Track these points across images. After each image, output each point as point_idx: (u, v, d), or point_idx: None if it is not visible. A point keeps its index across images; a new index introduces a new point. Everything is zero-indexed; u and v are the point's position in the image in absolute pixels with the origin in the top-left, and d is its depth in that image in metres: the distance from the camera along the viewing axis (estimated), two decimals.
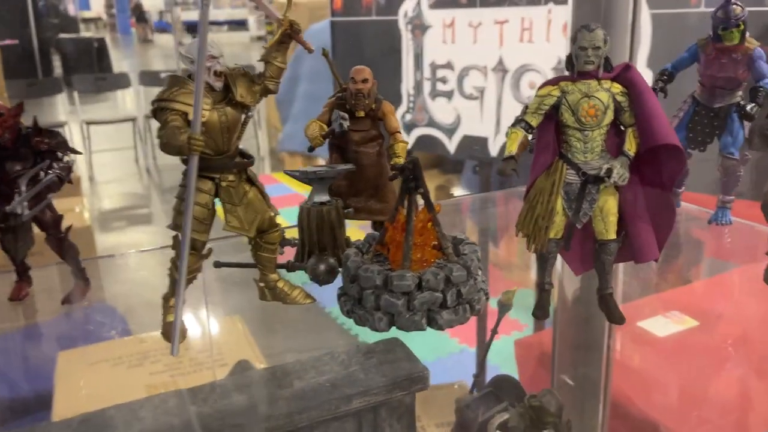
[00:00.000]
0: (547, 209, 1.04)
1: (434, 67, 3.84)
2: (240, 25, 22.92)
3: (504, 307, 1.58)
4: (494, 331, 1.57)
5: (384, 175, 1.44)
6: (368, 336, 1.16)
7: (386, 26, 3.95)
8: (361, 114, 1.38)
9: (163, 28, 23.33)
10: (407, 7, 3.84)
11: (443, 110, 3.87)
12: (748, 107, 1.36)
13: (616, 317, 1.10)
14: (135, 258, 1.89)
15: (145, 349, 1.77)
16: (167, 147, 1.00)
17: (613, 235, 1.06)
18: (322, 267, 1.23)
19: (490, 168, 3.73)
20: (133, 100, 8.89)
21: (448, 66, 3.76)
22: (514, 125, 1.05)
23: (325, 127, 1.38)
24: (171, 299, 1.12)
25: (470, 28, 3.59)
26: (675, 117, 1.52)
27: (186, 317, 1.43)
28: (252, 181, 1.14)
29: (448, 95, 3.82)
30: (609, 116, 1.02)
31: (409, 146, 4.21)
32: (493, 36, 3.51)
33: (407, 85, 4.00)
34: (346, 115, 1.35)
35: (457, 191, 5.08)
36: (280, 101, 7.06)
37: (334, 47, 4.22)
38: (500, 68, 3.51)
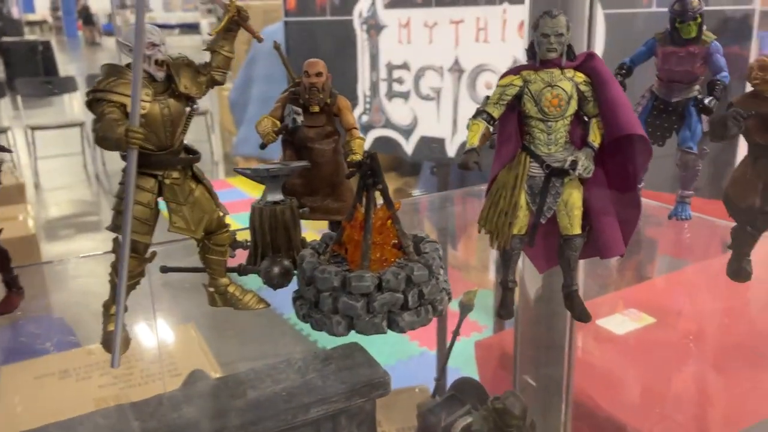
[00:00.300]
0: (511, 204, 1.00)
1: (390, 68, 3.80)
2: (192, 28, 22.51)
3: (465, 308, 1.54)
4: (456, 333, 1.53)
5: (341, 173, 1.38)
6: (327, 341, 1.11)
7: (341, 26, 3.89)
8: (316, 109, 1.33)
9: (112, 31, 22.73)
10: (362, 7, 3.79)
11: (400, 111, 3.84)
12: (707, 101, 1.35)
13: (582, 315, 1.07)
14: (83, 265, 1.79)
15: (93, 360, 1.68)
16: (103, 141, 0.93)
17: (578, 230, 1.03)
18: (276, 269, 1.16)
19: (448, 169, 3.71)
20: (80, 105, 8.62)
21: (405, 66, 3.73)
22: (475, 117, 1.00)
23: (277, 122, 1.32)
24: (112, 307, 1.04)
25: (426, 28, 3.57)
26: (635, 110, 1.51)
27: (136, 326, 1.35)
28: (198, 179, 1.07)
29: (405, 96, 3.79)
30: (573, 106, 0.98)
31: (366, 147, 4.18)
32: (449, 36, 3.49)
33: (363, 86, 3.95)
34: (300, 110, 1.29)
35: (416, 193, 5.06)
36: (234, 104, 6.93)
37: (288, 48, 4.14)
38: (456, 68, 3.50)
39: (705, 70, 1.40)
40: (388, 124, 3.92)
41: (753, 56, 2.72)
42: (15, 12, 20.02)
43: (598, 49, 3.00)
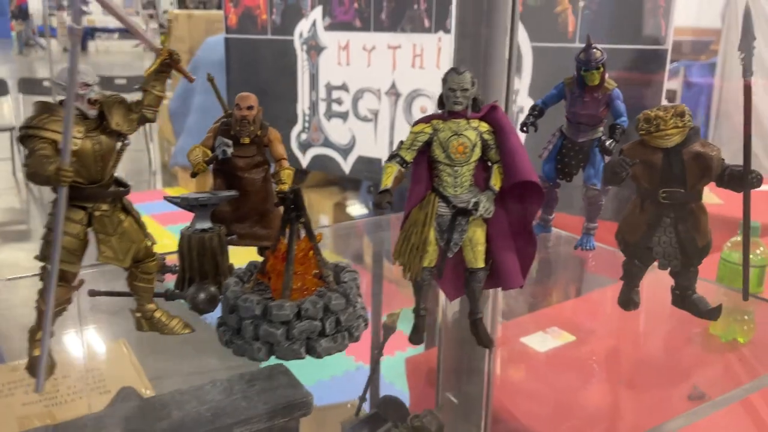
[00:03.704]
0: (421, 239, 1.09)
1: (329, 88, 3.88)
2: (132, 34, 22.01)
3: (389, 330, 1.62)
4: (379, 354, 1.61)
5: (270, 201, 1.45)
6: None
7: (282, 46, 3.95)
8: (246, 141, 1.39)
9: (48, 33, 22.03)
10: (303, 28, 3.87)
11: (338, 131, 3.92)
12: (607, 143, 1.48)
13: (485, 341, 1.17)
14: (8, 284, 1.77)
15: (17, 377, 1.67)
16: (34, 176, 0.96)
17: (481, 264, 1.13)
18: (202, 296, 1.22)
19: None
20: (10, 108, 8.34)
21: (343, 87, 3.81)
22: (389, 159, 1.09)
23: (208, 152, 1.37)
24: (38, 332, 1.07)
25: (364, 52, 3.66)
26: (545, 149, 1.63)
27: (64, 339, 1.37)
28: (127, 210, 1.12)
29: (344, 116, 3.87)
30: (477, 153, 1.09)
31: (305, 165, 4.23)
32: (387, 60, 3.60)
33: (303, 105, 4.01)
34: (230, 142, 1.35)
35: (355, 208, 5.14)
36: (174, 114, 6.85)
37: (229, 65, 4.17)
38: (393, 92, 3.61)
39: (607, 114, 1.54)
40: (327, 143, 4.00)
41: (665, 83, 2.95)
42: None
43: (525, 80, 3.17)
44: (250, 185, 1.42)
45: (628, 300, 1.30)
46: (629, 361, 1.76)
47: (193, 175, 1.36)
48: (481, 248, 1.12)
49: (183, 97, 6.56)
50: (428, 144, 1.08)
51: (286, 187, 1.39)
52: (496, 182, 1.09)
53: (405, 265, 1.12)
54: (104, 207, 1.07)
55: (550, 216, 1.72)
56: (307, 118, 4.02)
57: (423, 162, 1.10)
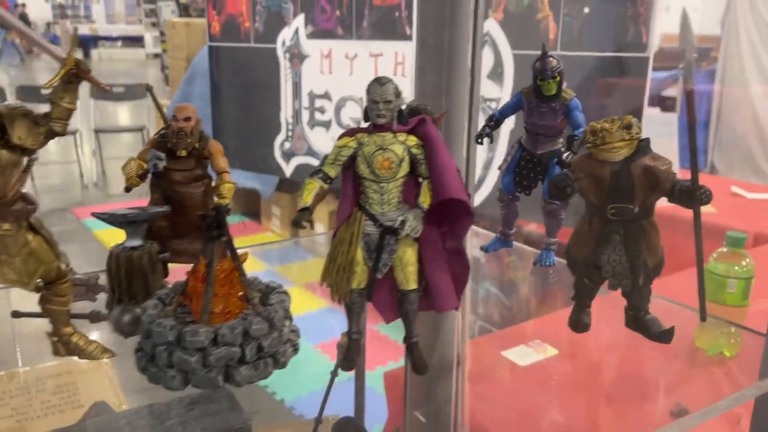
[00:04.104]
0: (347, 260, 1.03)
1: (312, 97, 3.83)
2: (135, 41, 22.17)
3: (343, 349, 1.56)
4: (334, 374, 1.55)
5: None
6: None
7: (265, 54, 3.91)
8: (183, 153, 1.33)
9: (51, 40, 22.16)
10: (285, 36, 3.82)
11: (321, 139, 3.87)
12: (564, 155, 1.42)
13: (419, 367, 1.11)
14: None
15: None
16: None
17: (413, 285, 1.06)
18: (126, 318, 1.16)
19: None
20: None
21: (326, 96, 3.76)
22: (312, 175, 1.03)
23: (144, 165, 1.32)
24: None
25: (347, 60, 3.62)
26: (504, 161, 1.57)
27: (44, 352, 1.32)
28: (36, 230, 1.06)
29: (326, 125, 3.82)
30: (404, 168, 1.02)
31: (289, 174, 4.18)
32: (369, 68, 3.55)
33: (286, 113, 3.96)
34: (162, 155, 1.29)
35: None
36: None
37: (212, 73, 4.13)
38: None
39: (566, 125, 1.48)
40: (311, 152, 3.95)
41: (647, 90, 2.89)
42: None
43: (507, 88, 3.11)
44: (188, 200, 1.36)
45: (577, 321, 1.24)
46: (613, 375, 1.70)
47: (127, 189, 1.31)
48: (411, 269, 1.05)
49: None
50: (353, 159, 1.02)
51: (226, 201, 1.33)
52: (425, 199, 1.02)
53: (332, 287, 1.05)
54: (6, 226, 1.01)
55: (511, 230, 1.65)
56: (290, 126, 3.97)
57: (350, 177, 1.04)
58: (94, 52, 22.03)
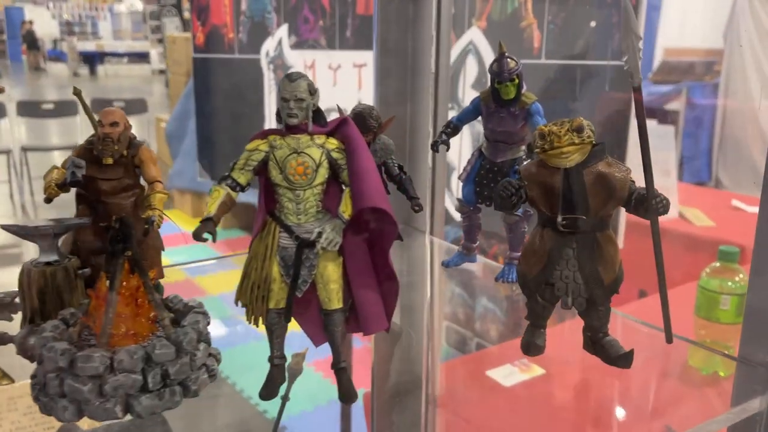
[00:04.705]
0: (262, 276, 0.93)
1: None
2: (141, 57, 22.28)
3: (294, 372, 1.46)
4: (285, 398, 1.45)
5: (141, 229, 1.29)
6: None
7: (249, 64, 3.84)
8: (109, 161, 1.24)
9: (57, 56, 22.32)
10: (269, 47, 3.75)
11: None
12: (524, 164, 1.32)
13: (347, 396, 1.00)
14: None
15: None
16: None
17: (336, 305, 0.96)
18: (32, 340, 1.05)
19: None
20: (8, 131, 8.33)
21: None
22: (219, 182, 0.93)
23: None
24: None
25: (330, 71, 3.54)
26: (464, 170, 1.47)
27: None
28: None
29: None
30: (322, 174, 0.92)
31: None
32: (353, 79, 3.47)
33: (271, 124, 3.88)
34: (82, 163, 1.20)
35: None
36: (171, 136, 6.78)
37: (197, 84, 4.06)
38: None
39: (528, 131, 1.38)
40: None
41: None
42: None
43: None
44: (116, 211, 1.26)
45: (529, 344, 1.13)
46: (602, 396, 1.60)
47: (47, 200, 1.21)
48: (334, 286, 0.95)
49: (180, 119, 6.49)
50: (264, 164, 0.92)
51: (156, 213, 1.24)
52: (345, 209, 0.92)
53: (247, 307, 0.95)
54: None
55: (474, 243, 1.55)
56: None
57: (264, 184, 0.94)
58: (101, 68, 22.16)
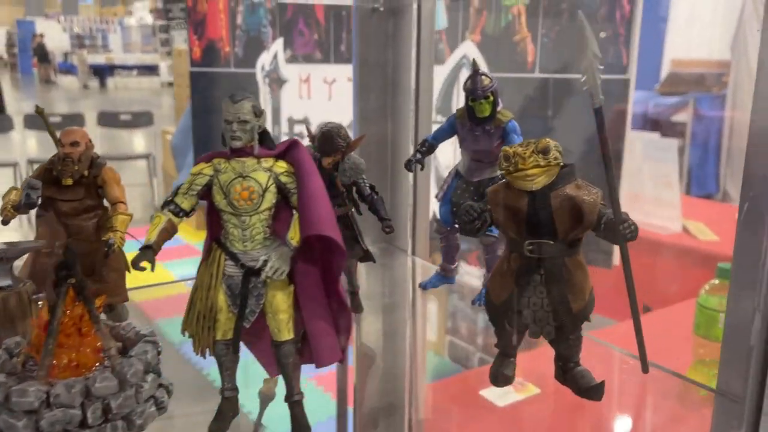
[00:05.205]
0: (207, 306, 0.89)
1: (291, 122, 3.73)
2: (150, 70, 22.44)
3: (266, 398, 1.42)
4: (258, 425, 1.40)
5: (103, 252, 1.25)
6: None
7: (244, 79, 3.82)
8: (69, 182, 1.21)
9: (68, 69, 22.53)
10: (264, 61, 3.73)
11: None
12: (491, 186, 1.28)
13: (301, 430, 0.95)
14: None
15: None
16: None
17: (286, 335, 0.91)
18: None
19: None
20: (17, 144, 8.38)
21: (305, 121, 3.65)
22: (163, 207, 0.90)
23: None
24: None
25: (325, 84, 3.51)
26: (441, 190, 1.43)
27: None
28: None
29: None
30: (269, 199, 0.88)
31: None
32: (348, 93, 3.43)
33: None
34: (38, 184, 1.17)
35: None
36: (176, 149, 6.78)
37: (194, 98, 4.05)
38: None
39: None
40: None
41: (630, 113, 2.77)
42: None
43: None
44: (77, 233, 1.23)
45: (497, 374, 1.08)
46: (598, 417, 1.54)
47: (3, 223, 1.18)
48: (283, 316, 0.90)
49: (184, 132, 6.49)
50: (209, 188, 0.88)
51: (118, 235, 1.20)
52: (294, 235, 0.88)
53: (194, 338, 0.91)
54: None
55: (452, 265, 1.50)
56: None
57: (211, 210, 0.90)
58: (110, 81, 22.32)
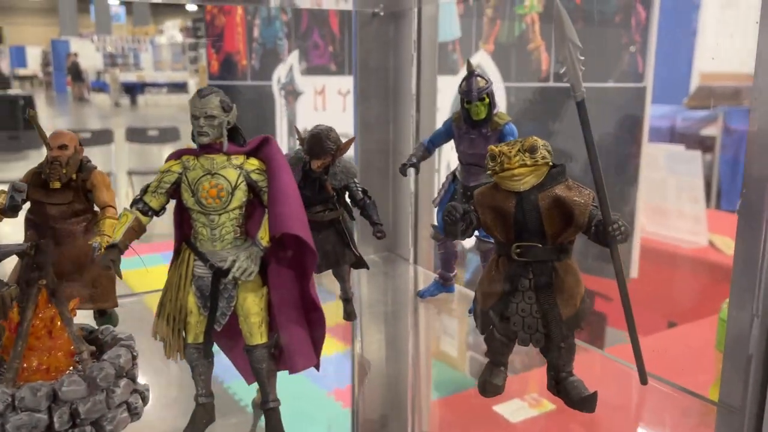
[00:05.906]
0: (177, 308, 0.86)
1: None
2: (180, 87, 22.82)
3: (259, 408, 1.39)
4: None
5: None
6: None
7: (261, 91, 3.84)
8: (57, 185, 1.20)
9: (101, 87, 22.99)
10: (280, 73, 3.75)
11: None
12: (479, 188, 1.24)
13: None
14: None
15: None
16: None
17: (258, 339, 0.88)
18: None
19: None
20: None
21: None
22: (131, 205, 0.87)
23: None
24: None
25: (340, 96, 3.51)
26: (438, 195, 1.39)
27: None
28: None
29: None
30: (239, 197, 0.85)
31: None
32: None
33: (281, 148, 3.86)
34: (24, 187, 1.16)
35: None
36: None
37: None
38: None
39: None
40: None
41: (647, 121, 2.70)
42: (4, 66, 20.27)
43: None
44: (65, 237, 1.22)
45: (485, 383, 1.03)
46: None
47: None
48: (255, 319, 0.87)
49: None
50: (178, 186, 0.86)
51: (104, 239, 1.18)
52: (264, 235, 0.85)
53: (165, 341, 0.88)
54: None
55: (451, 272, 1.46)
56: None
57: (179, 208, 0.88)
58: (141, 98, 22.74)
